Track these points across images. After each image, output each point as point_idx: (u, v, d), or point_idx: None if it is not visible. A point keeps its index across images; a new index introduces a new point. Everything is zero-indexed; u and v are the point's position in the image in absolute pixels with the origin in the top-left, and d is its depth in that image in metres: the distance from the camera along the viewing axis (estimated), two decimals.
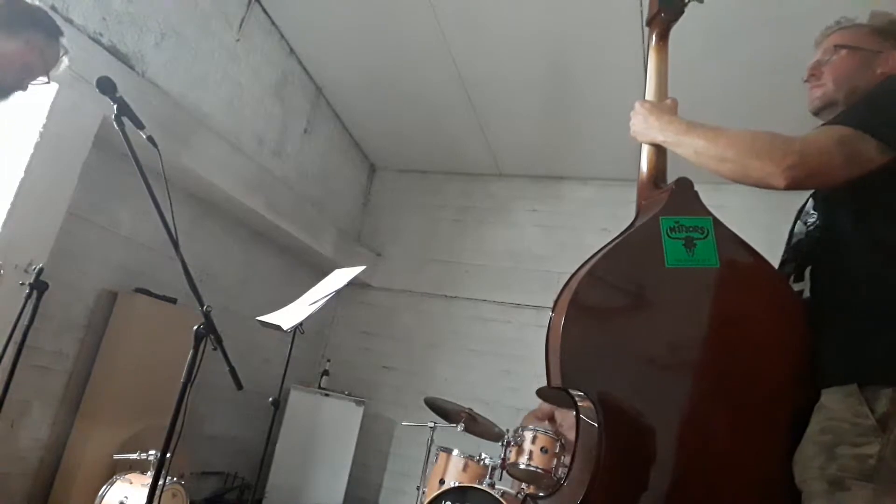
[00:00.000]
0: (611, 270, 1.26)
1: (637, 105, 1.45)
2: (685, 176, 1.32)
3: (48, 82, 1.85)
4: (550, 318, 1.28)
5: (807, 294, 1.25)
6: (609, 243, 1.30)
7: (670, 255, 1.22)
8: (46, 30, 1.79)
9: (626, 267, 1.26)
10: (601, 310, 1.26)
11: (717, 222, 1.25)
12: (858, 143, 1.13)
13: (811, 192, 1.37)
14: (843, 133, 1.14)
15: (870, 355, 1.10)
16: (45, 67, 1.80)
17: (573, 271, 1.32)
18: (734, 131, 1.21)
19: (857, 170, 1.14)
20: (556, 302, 1.30)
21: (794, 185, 1.13)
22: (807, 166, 1.13)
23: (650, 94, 1.47)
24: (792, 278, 1.31)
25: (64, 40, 1.85)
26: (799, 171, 1.12)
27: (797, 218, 1.39)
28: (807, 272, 1.28)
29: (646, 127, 1.40)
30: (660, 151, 1.42)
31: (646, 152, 1.43)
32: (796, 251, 1.35)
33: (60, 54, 1.86)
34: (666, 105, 1.42)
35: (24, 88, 1.79)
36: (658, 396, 1.18)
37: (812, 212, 1.34)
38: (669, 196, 1.29)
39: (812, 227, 1.32)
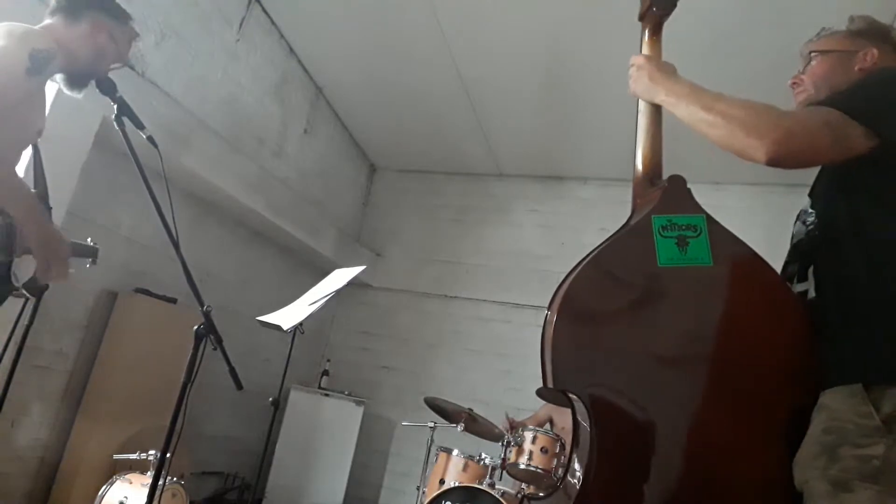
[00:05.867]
0: (603, 270, 1.26)
1: (639, 60, 1.41)
2: (679, 174, 1.30)
3: (124, 65, 1.80)
4: (546, 316, 1.28)
5: (812, 294, 1.23)
6: (603, 242, 1.29)
7: (662, 254, 1.21)
8: (109, 11, 1.75)
9: (618, 266, 1.26)
10: (593, 309, 1.25)
11: (710, 220, 1.24)
12: (846, 127, 1.12)
13: (809, 192, 1.37)
14: (832, 115, 1.13)
15: (875, 354, 1.08)
16: (117, 50, 1.75)
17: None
18: (732, 99, 1.20)
19: (841, 153, 1.15)
20: (550, 301, 1.29)
21: (776, 162, 1.11)
22: (792, 144, 1.12)
23: None
24: (795, 279, 1.29)
25: (133, 23, 1.81)
26: (782, 147, 1.11)
27: (797, 219, 1.38)
28: (810, 272, 1.26)
29: (650, 84, 1.36)
30: (655, 149, 1.39)
31: (640, 150, 1.40)
32: (797, 251, 1.34)
33: (132, 37, 1.80)
34: (669, 64, 1.39)
35: (101, 74, 1.74)
36: (652, 396, 1.17)
37: (810, 210, 1.33)
38: (662, 194, 1.28)
39: (811, 227, 1.31)
